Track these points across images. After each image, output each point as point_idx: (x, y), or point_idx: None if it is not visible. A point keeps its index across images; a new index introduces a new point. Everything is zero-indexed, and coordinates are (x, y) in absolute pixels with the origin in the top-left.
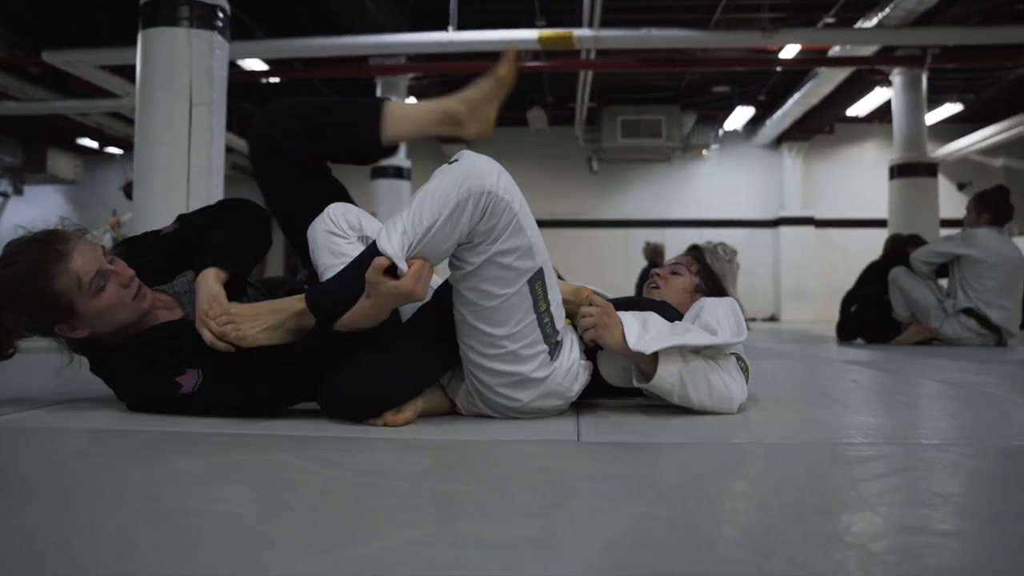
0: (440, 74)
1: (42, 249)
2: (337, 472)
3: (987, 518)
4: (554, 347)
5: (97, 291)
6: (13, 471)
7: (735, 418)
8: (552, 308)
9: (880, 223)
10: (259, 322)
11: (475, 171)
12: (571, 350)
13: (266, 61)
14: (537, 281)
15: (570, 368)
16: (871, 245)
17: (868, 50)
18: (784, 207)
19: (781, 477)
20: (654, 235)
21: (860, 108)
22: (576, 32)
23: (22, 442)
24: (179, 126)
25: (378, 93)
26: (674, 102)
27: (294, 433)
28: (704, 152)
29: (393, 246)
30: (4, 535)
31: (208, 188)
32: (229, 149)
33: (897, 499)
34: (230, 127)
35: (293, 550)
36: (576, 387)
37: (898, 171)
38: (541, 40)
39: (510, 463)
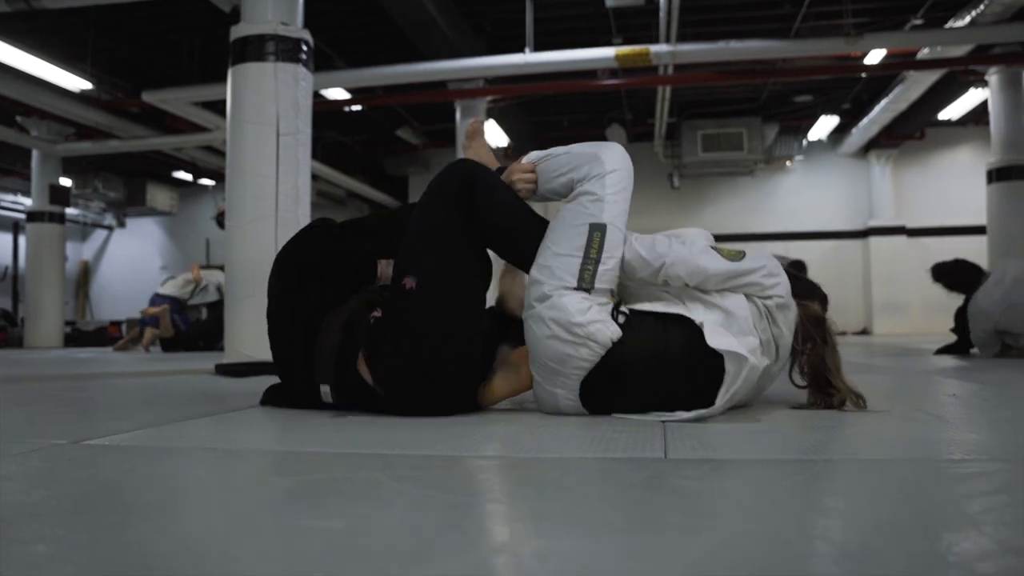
0: (518, 95)
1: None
2: (427, 490)
3: None
4: (582, 290)
5: None
6: (122, 488)
7: (826, 434)
8: (600, 266)
9: (979, 230)
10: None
11: (606, 147)
12: (603, 310)
13: (348, 90)
14: (597, 231)
15: (595, 319)
16: (969, 253)
17: (961, 50)
18: (874, 216)
19: (876, 494)
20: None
21: (953, 111)
22: (653, 48)
23: (125, 461)
24: (267, 156)
25: (458, 116)
26: (755, 114)
27: (382, 452)
28: (788, 164)
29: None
30: (115, 549)
31: (296, 215)
32: (314, 176)
33: (1005, 518)
34: (315, 155)
35: (383, 565)
36: (600, 336)
37: (997, 175)
38: (618, 58)
39: (597, 480)
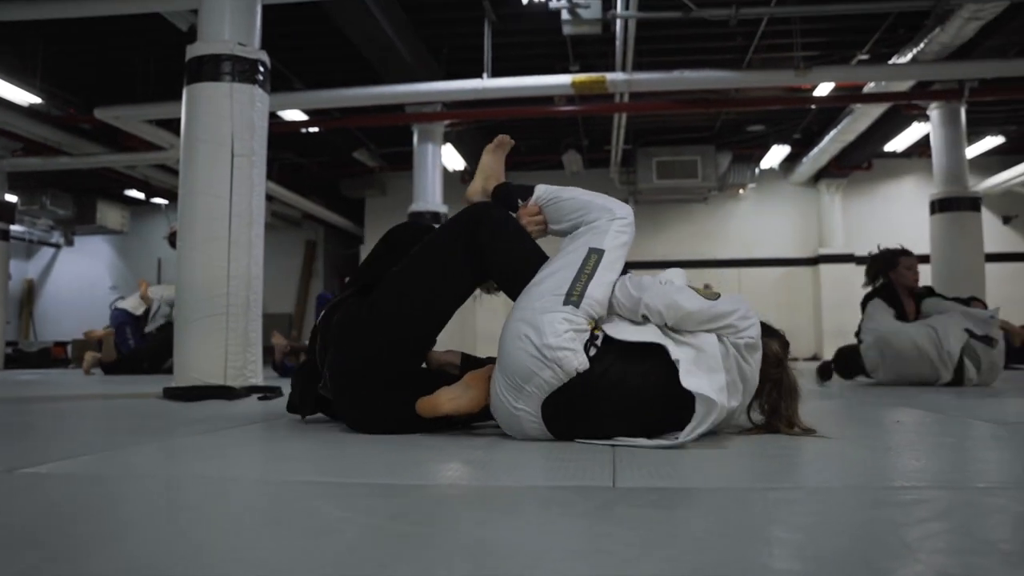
0: (475, 120)
1: None
2: (372, 519)
3: None
4: (570, 303)
5: None
6: (67, 517)
7: (774, 463)
8: (591, 282)
9: (923, 259)
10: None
11: (617, 202)
12: (578, 337)
13: (306, 112)
14: (595, 253)
15: (565, 346)
16: None
17: (904, 85)
18: (824, 244)
19: (819, 523)
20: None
21: (898, 143)
22: (609, 76)
23: (69, 489)
24: (221, 176)
25: (415, 139)
26: (709, 142)
27: (331, 479)
28: (741, 191)
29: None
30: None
31: (249, 236)
32: (270, 197)
33: (939, 545)
34: (271, 176)
35: None
36: (565, 364)
37: (939, 206)
38: (575, 85)
39: (543, 509)
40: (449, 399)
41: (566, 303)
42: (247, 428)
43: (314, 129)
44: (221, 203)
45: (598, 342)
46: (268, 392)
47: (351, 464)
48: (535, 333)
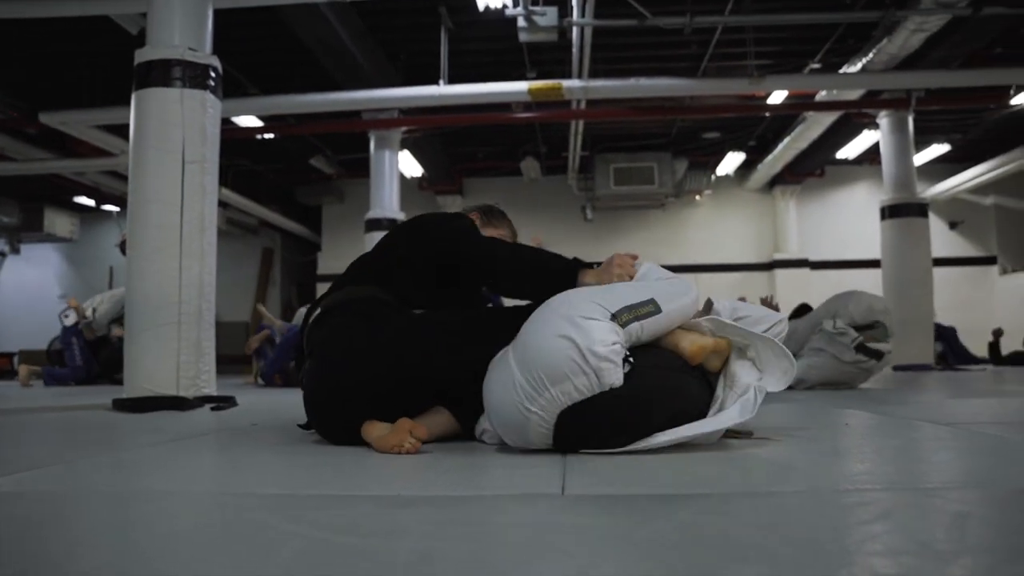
0: (432, 126)
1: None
2: (316, 531)
3: (969, 566)
4: (616, 322)
5: None
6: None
7: (722, 467)
8: (636, 323)
9: (874, 263)
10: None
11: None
12: (620, 353)
13: (260, 118)
14: (651, 305)
15: (610, 357)
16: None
17: (854, 94)
18: (779, 250)
19: (765, 528)
20: None
21: (849, 151)
22: (566, 83)
23: (19, 506)
24: (171, 183)
25: (372, 146)
26: (666, 149)
27: (280, 492)
28: (697, 198)
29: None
30: None
31: (201, 244)
32: (225, 205)
33: (876, 548)
34: (226, 183)
35: None
36: (604, 376)
37: (889, 212)
38: (531, 92)
39: (489, 519)
40: (378, 436)
41: (612, 320)
42: (199, 440)
43: (270, 135)
44: (172, 210)
45: (631, 359)
46: (221, 402)
47: (302, 475)
48: (581, 335)
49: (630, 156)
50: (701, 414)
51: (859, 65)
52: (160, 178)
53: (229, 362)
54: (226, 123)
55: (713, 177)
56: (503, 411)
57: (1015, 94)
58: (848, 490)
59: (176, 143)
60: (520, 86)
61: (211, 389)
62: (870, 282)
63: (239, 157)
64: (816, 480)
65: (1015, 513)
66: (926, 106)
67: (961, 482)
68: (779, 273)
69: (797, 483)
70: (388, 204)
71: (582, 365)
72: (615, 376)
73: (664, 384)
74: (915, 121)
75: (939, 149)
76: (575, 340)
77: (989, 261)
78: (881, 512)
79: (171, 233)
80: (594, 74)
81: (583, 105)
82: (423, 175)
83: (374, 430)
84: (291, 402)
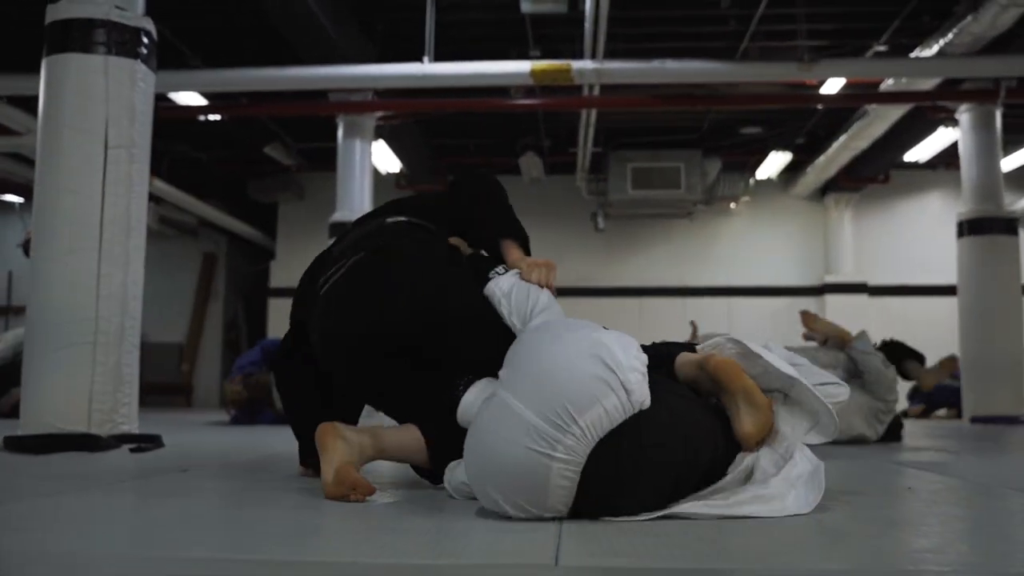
0: (414, 112)
1: None
2: None
3: None
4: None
5: None
6: None
7: (758, 537)
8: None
9: (949, 290)
10: None
11: None
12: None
13: (205, 95)
14: None
15: (638, 368)
16: (938, 316)
17: (928, 83)
18: (831, 271)
19: None
20: (674, 305)
21: (921, 152)
22: (576, 64)
23: None
24: (91, 171)
25: (340, 134)
26: (695, 146)
27: (206, 555)
28: (732, 205)
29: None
30: None
31: (126, 247)
32: (157, 199)
33: None
34: (159, 173)
35: None
36: (636, 390)
37: (968, 227)
38: (534, 74)
39: None
40: (324, 481)
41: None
42: (113, 488)
43: (216, 117)
44: (90, 204)
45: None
46: (144, 442)
47: (240, 534)
48: (605, 350)
49: (652, 154)
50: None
51: (935, 48)
52: (76, 164)
53: (157, 392)
54: (161, 100)
55: (752, 181)
56: (512, 469)
57: None
58: (910, 571)
59: (97, 122)
60: (521, 66)
61: (131, 426)
62: (943, 313)
63: (177, 142)
64: (869, 557)
65: None
66: (1018, 98)
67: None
68: (830, 300)
69: (844, 559)
70: (358, 204)
71: (609, 380)
72: (643, 390)
73: (693, 412)
74: (1004, 117)
75: None
76: (600, 356)
77: None
78: None
79: (89, 232)
80: (610, 54)
81: (596, 91)
82: (401, 171)
83: (327, 461)
84: (233, 443)
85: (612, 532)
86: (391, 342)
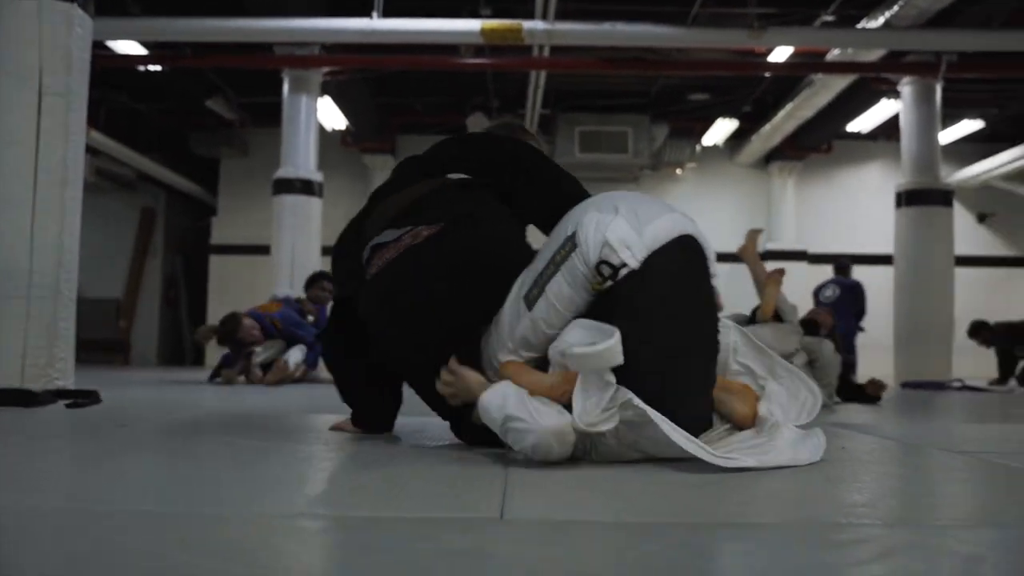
0: (361, 69)
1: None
2: (191, 556)
3: None
4: None
5: None
6: None
7: (697, 493)
8: None
9: (886, 259)
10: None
11: None
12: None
13: (145, 44)
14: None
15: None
16: (876, 285)
17: (873, 55)
18: (773, 238)
19: (743, 565)
20: None
21: (863, 123)
22: (527, 24)
23: None
24: (24, 120)
25: (285, 88)
26: (643, 111)
27: (146, 508)
28: (678, 171)
29: None
30: None
31: (62, 199)
32: (94, 151)
33: None
34: (96, 124)
35: None
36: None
37: (907, 198)
38: (484, 32)
39: (413, 546)
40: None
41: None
42: (49, 442)
43: (156, 67)
44: (24, 154)
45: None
46: (80, 397)
47: (180, 487)
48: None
49: (600, 118)
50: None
51: (881, 20)
52: (9, 112)
53: (94, 349)
54: (99, 48)
55: (698, 148)
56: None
57: None
58: (842, 524)
59: (31, 68)
60: (471, 25)
61: (67, 381)
62: (880, 281)
63: (116, 93)
64: (806, 512)
65: None
66: (958, 73)
67: (974, 520)
68: (771, 266)
69: (783, 514)
70: (303, 161)
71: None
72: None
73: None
74: (944, 91)
75: (970, 126)
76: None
77: (1023, 262)
78: (881, 551)
79: (22, 183)
80: (561, 15)
81: (546, 52)
82: (347, 128)
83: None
84: (172, 400)
85: (559, 487)
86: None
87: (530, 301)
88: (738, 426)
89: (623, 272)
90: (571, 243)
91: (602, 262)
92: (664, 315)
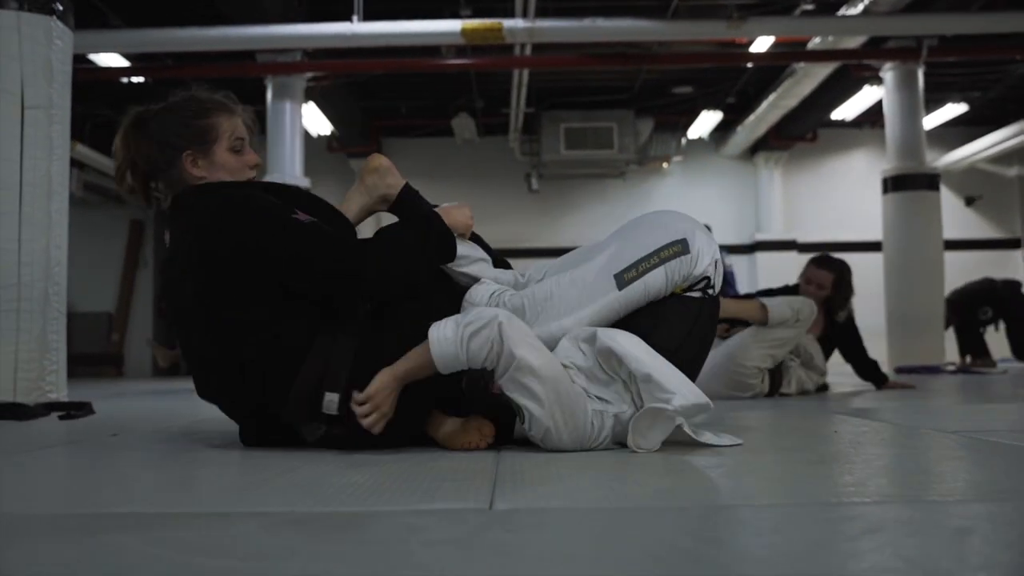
0: (344, 74)
1: (223, 95)
2: (186, 555)
3: None
4: None
5: (233, 150)
6: None
7: (687, 479)
8: None
9: (874, 246)
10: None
11: None
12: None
13: (127, 56)
14: None
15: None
16: (865, 272)
17: (854, 42)
18: (761, 229)
19: (734, 546)
20: None
21: (847, 111)
22: (507, 23)
23: None
24: (8, 134)
25: (269, 95)
26: (627, 106)
27: (140, 510)
28: (665, 165)
29: None
30: None
31: (48, 211)
32: (81, 164)
33: (862, 566)
34: (82, 137)
35: None
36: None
37: (893, 184)
38: (465, 32)
39: (401, 538)
40: (448, 432)
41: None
42: (42, 453)
43: (139, 79)
44: (9, 168)
45: None
46: (73, 409)
47: (173, 491)
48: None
49: (584, 114)
50: None
51: (860, 7)
52: None
53: (87, 362)
54: (82, 62)
55: (684, 141)
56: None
57: None
58: (833, 503)
59: (12, 82)
60: (452, 25)
61: (60, 394)
62: (869, 268)
63: (99, 106)
64: (796, 493)
65: None
66: (940, 57)
67: (964, 495)
68: (760, 257)
69: (774, 496)
70: (289, 168)
71: None
72: None
73: None
74: (926, 76)
75: (954, 110)
76: None
77: (1012, 244)
78: (869, 526)
79: (8, 196)
80: (542, 13)
81: (528, 51)
82: (332, 133)
83: (442, 426)
84: (165, 409)
85: (545, 478)
86: None
87: (624, 282)
88: None
89: (704, 291)
90: (680, 246)
91: (706, 276)
92: (689, 341)
